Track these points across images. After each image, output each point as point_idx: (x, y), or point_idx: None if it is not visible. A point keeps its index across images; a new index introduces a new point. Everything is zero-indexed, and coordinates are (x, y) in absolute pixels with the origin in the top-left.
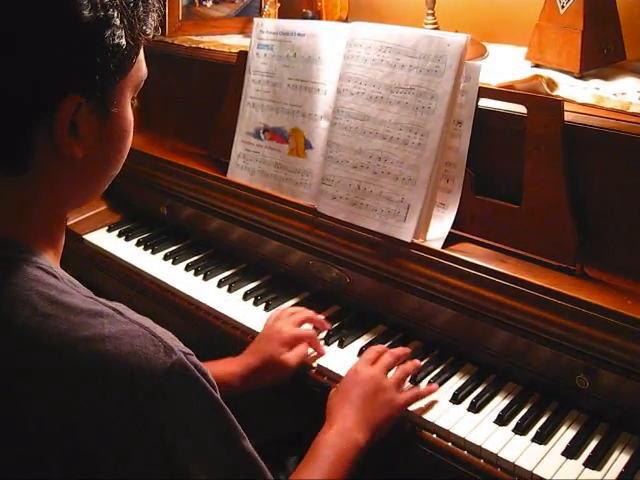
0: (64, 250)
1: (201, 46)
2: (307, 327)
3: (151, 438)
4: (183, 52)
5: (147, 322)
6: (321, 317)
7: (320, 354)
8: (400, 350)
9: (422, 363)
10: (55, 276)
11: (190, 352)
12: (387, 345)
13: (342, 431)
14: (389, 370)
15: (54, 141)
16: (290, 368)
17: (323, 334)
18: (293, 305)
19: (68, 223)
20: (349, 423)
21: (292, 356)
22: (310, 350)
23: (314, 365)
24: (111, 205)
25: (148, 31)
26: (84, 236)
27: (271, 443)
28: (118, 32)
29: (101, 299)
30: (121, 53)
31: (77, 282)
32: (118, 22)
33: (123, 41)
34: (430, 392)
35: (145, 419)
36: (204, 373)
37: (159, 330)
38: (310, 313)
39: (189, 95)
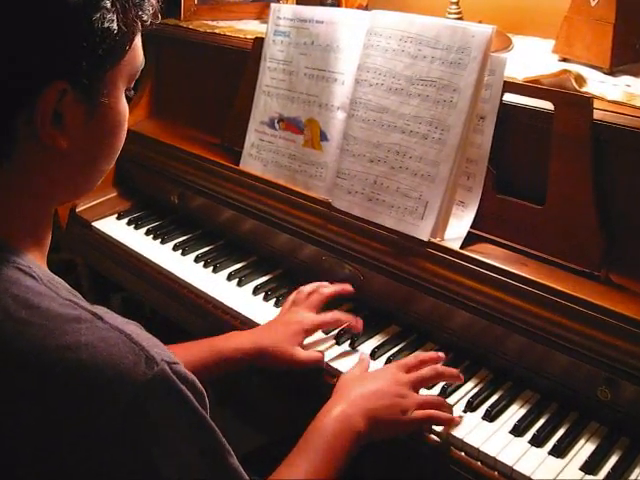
0: (72, 237)
1: (216, 31)
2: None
3: (129, 454)
4: (198, 37)
5: (129, 328)
6: (338, 287)
7: (356, 329)
8: (449, 371)
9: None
10: (33, 277)
11: (175, 361)
12: (400, 347)
13: (342, 418)
14: (423, 385)
15: (35, 130)
16: (296, 363)
17: (334, 332)
18: None
19: (77, 209)
20: (352, 409)
21: (304, 355)
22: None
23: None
24: (122, 192)
25: (144, 17)
26: (93, 223)
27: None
28: (109, 15)
29: (82, 302)
30: (112, 39)
31: (60, 283)
32: (109, 5)
33: (114, 25)
34: (449, 420)
35: (123, 434)
36: (191, 383)
37: (142, 337)
38: (327, 290)
39: (203, 82)
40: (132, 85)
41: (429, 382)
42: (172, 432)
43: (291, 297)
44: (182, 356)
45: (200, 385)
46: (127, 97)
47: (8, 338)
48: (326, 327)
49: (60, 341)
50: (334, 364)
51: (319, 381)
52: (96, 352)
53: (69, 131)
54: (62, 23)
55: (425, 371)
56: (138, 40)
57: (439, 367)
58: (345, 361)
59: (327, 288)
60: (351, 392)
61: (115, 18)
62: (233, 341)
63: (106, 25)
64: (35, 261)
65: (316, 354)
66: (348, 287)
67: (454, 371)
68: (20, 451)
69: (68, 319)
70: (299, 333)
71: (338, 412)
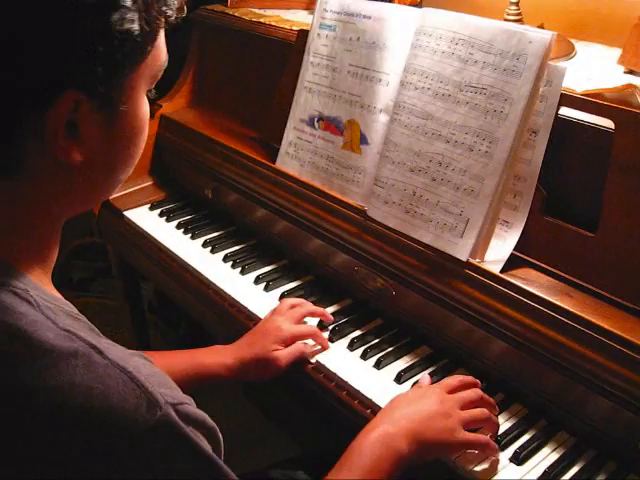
0: (103, 224)
1: (262, 20)
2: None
3: None
4: (242, 26)
5: (132, 363)
6: (321, 309)
7: (325, 348)
8: (489, 399)
9: None
10: (30, 302)
11: (181, 401)
12: (429, 371)
13: (384, 436)
14: (466, 408)
15: (46, 144)
16: (280, 367)
17: (360, 351)
18: (334, 312)
19: (110, 197)
20: (395, 429)
21: (284, 355)
22: (310, 343)
23: (343, 385)
24: (157, 182)
25: (169, 12)
26: (124, 212)
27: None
28: (129, 15)
29: (81, 333)
30: (132, 40)
31: (62, 306)
32: (129, 2)
33: (135, 26)
34: (496, 452)
35: None
36: (200, 422)
37: (145, 374)
38: (311, 307)
39: (246, 72)
40: (154, 85)
41: (472, 405)
42: (175, 477)
43: (274, 307)
44: (160, 365)
45: (210, 422)
46: (148, 97)
47: None
48: (302, 339)
49: (53, 382)
50: (357, 386)
51: (337, 403)
52: (91, 395)
53: (85, 143)
54: (74, 25)
55: (468, 393)
56: (161, 37)
57: (481, 392)
58: (369, 382)
59: (310, 306)
60: (395, 412)
61: (136, 17)
62: (216, 356)
63: (126, 27)
64: (36, 282)
65: (294, 349)
66: (329, 317)
67: (492, 400)
68: None
69: (63, 354)
70: (277, 341)
71: (380, 432)
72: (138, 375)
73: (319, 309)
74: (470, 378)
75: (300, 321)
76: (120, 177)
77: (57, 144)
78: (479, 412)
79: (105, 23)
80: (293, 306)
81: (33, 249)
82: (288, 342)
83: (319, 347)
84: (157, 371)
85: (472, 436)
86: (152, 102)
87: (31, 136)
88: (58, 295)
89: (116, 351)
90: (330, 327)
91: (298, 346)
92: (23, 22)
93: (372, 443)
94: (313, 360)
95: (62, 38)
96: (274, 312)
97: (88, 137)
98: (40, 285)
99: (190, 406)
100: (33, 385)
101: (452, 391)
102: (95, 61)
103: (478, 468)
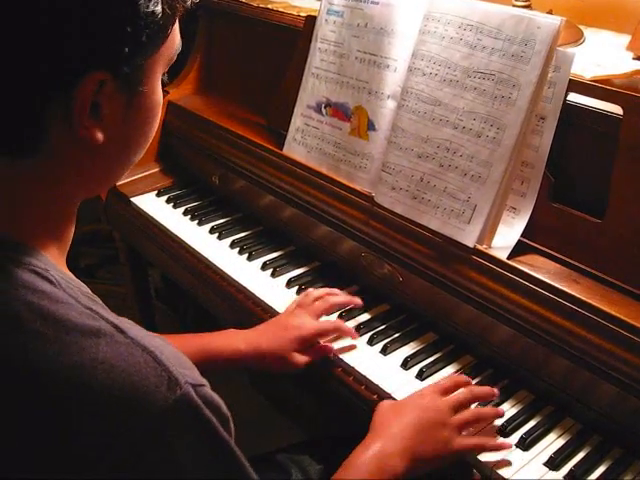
0: (110, 211)
1: (270, 7)
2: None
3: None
4: (250, 12)
5: (154, 343)
6: (347, 298)
7: (353, 338)
8: (484, 391)
9: (473, 382)
10: (51, 281)
11: (201, 382)
12: (435, 357)
13: (381, 457)
14: (461, 408)
15: (71, 123)
16: (296, 368)
17: (367, 337)
18: None
19: (118, 183)
20: (391, 448)
21: (302, 358)
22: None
23: (348, 369)
24: (163, 168)
25: None
26: (131, 198)
27: (294, 448)
28: None
29: (103, 311)
30: (156, 23)
31: (79, 286)
32: None
33: (159, 8)
34: (498, 448)
35: (142, 461)
36: (216, 406)
37: (167, 354)
38: (336, 299)
39: (253, 59)
40: (167, 69)
41: (466, 405)
42: (193, 459)
43: (297, 298)
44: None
45: (225, 409)
46: (162, 82)
47: (20, 350)
48: (325, 336)
49: (76, 358)
50: (363, 371)
51: (343, 387)
52: (114, 372)
53: (106, 123)
54: (104, 6)
55: (462, 394)
56: (176, 22)
57: (474, 389)
58: (375, 368)
59: (335, 297)
60: (390, 428)
61: (160, 0)
62: (230, 341)
63: (151, 9)
64: (53, 262)
65: (316, 355)
66: (358, 300)
67: (487, 389)
68: (22, 470)
69: (86, 332)
70: (297, 340)
71: (376, 451)
72: (159, 354)
73: (345, 298)
74: (463, 377)
75: (322, 315)
76: (134, 158)
77: (82, 124)
78: (472, 415)
79: (133, 4)
80: (317, 299)
81: (51, 229)
82: (310, 340)
83: (343, 346)
84: (178, 352)
85: (467, 442)
86: (163, 86)
87: (57, 116)
88: (73, 276)
89: (139, 329)
90: (337, 313)
91: (319, 352)
92: (55, 3)
93: (368, 463)
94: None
95: (92, 18)
96: (298, 305)
97: (109, 118)
98: (57, 265)
99: (209, 389)
100: (57, 361)
101: (445, 393)
102: (122, 42)
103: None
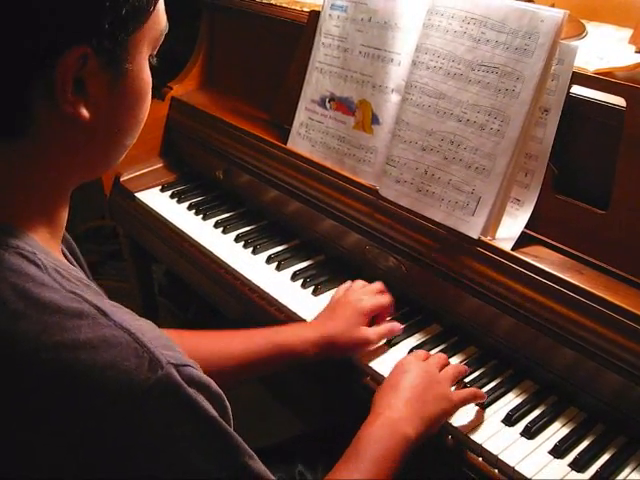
0: (114, 206)
1: (272, 2)
2: None
3: (127, 462)
4: (253, 7)
5: (137, 326)
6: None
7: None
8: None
9: (477, 373)
10: (37, 265)
11: (185, 363)
12: (440, 348)
13: (388, 423)
14: (441, 368)
15: (56, 100)
16: (369, 344)
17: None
18: None
19: (122, 178)
20: (397, 414)
21: (372, 333)
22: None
23: (355, 362)
24: (167, 163)
25: None
26: (136, 194)
27: (299, 440)
28: None
29: (88, 295)
30: None
31: (68, 271)
32: None
33: None
34: (482, 397)
35: (122, 441)
36: (204, 385)
37: (149, 336)
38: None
39: (256, 54)
40: (155, 52)
41: (445, 365)
42: (177, 440)
43: (344, 285)
44: (237, 347)
45: (216, 388)
46: (151, 65)
47: (1, 331)
48: (382, 310)
49: (57, 338)
50: (369, 362)
51: (351, 379)
52: (95, 352)
53: (92, 100)
54: None
55: (439, 356)
56: (161, 2)
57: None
58: (382, 359)
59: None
60: (390, 398)
61: None
62: (298, 333)
63: None
64: (43, 246)
65: (385, 328)
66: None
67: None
68: (7, 451)
69: (69, 313)
70: (360, 312)
71: (383, 420)
72: (141, 336)
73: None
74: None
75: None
76: (126, 142)
77: (66, 98)
78: (455, 369)
79: None
80: (364, 285)
81: (41, 212)
82: (372, 312)
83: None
84: (162, 335)
85: (465, 392)
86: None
87: (41, 95)
88: (65, 261)
89: (121, 314)
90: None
91: (387, 325)
92: None
93: (378, 432)
94: None
95: None
96: (347, 290)
97: (95, 95)
98: (47, 249)
99: (194, 369)
100: (38, 341)
101: (425, 359)
102: (101, 15)
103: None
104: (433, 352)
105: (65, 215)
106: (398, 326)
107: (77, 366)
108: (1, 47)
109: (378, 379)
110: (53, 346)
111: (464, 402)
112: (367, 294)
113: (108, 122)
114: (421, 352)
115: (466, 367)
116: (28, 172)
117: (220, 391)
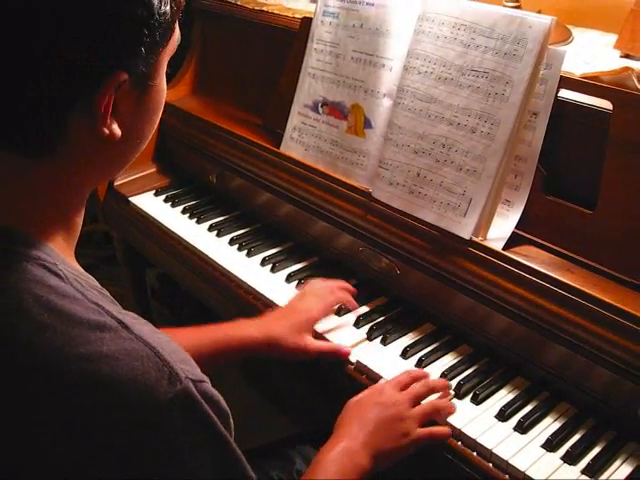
0: (109, 211)
1: (264, 9)
2: None
3: (143, 471)
4: (245, 14)
5: (156, 339)
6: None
7: (354, 308)
8: (439, 383)
9: (470, 371)
10: (59, 275)
11: (202, 379)
12: (433, 347)
13: (347, 453)
14: (419, 401)
15: (93, 123)
16: (309, 352)
17: (366, 329)
18: None
19: (115, 183)
20: (356, 446)
21: (316, 344)
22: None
23: (352, 361)
24: (161, 168)
25: None
26: (130, 198)
27: (297, 439)
28: None
29: (109, 307)
30: (166, 22)
31: (87, 280)
32: None
33: (168, 7)
34: (446, 435)
35: (140, 453)
36: (216, 403)
37: (169, 350)
38: (342, 284)
39: (249, 60)
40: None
41: (423, 398)
42: (190, 453)
43: (305, 287)
44: (181, 342)
45: (225, 405)
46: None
47: (26, 342)
48: (344, 302)
49: (80, 350)
50: (364, 361)
51: (345, 378)
52: (117, 366)
53: (122, 118)
54: (124, 11)
55: (418, 387)
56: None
57: (430, 381)
58: (376, 358)
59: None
60: (352, 427)
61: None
62: (241, 330)
63: (163, 9)
64: (62, 256)
65: (329, 344)
66: (354, 304)
67: (442, 381)
68: (26, 460)
69: (92, 326)
70: (307, 322)
71: (342, 449)
72: (161, 350)
73: (347, 296)
74: (420, 371)
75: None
76: (142, 147)
77: (105, 121)
78: (430, 407)
79: (149, 7)
80: (322, 287)
81: (61, 223)
82: (317, 321)
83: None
84: (179, 349)
85: (425, 432)
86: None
87: (79, 116)
88: (81, 268)
89: (140, 325)
90: (336, 307)
91: (331, 344)
92: (80, 10)
93: (335, 460)
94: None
95: (113, 24)
96: (305, 293)
97: (124, 113)
98: (66, 259)
99: (209, 385)
100: (62, 353)
101: (403, 387)
102: (140, 43)
103: None
104: (426, 351)
105: (80, 221)
106: (345, 350)
107: (99, 378)
108: (53, 72)
109: (374, 377)
110: (76, 358)
111: (423, 441)
112: (319, 300)
113: (132, 134)
114: (404, 379)
115: (449, 406)
116: (50, 184)
117: (227, 409)
